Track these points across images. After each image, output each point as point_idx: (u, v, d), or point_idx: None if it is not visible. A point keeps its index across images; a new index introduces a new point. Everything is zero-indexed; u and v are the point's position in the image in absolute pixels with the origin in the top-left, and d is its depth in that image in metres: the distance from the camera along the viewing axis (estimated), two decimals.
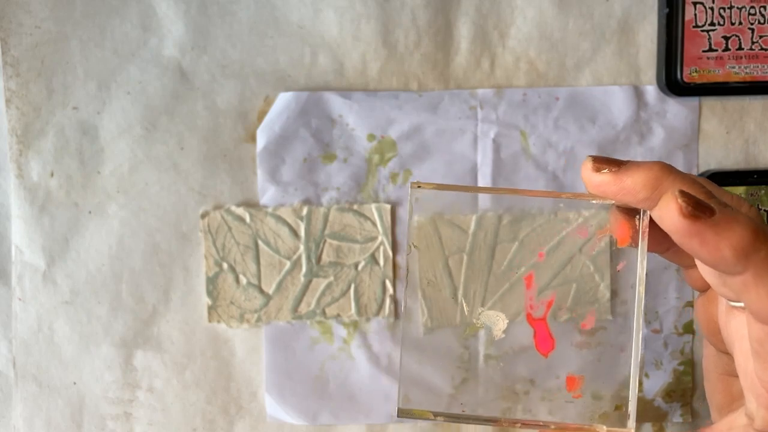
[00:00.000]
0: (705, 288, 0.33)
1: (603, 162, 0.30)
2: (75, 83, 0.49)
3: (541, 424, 0.34)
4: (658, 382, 0.52)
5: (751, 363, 0.28)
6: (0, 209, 0.51)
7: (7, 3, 0.49)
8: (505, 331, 0.35)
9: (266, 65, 0.50)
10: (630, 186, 0.29)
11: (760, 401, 0.28)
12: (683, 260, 0.33)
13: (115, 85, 0.50)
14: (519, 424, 0.34)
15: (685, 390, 0.52)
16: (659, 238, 0.32)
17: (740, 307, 0.29)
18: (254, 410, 0.51)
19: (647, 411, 0.52)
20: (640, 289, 0.34)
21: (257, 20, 0.50)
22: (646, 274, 0.51)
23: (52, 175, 0.50)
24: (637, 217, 0.32)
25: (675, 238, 0.27)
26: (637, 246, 0.32)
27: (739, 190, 0.51)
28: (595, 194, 0.32)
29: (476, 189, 0.36)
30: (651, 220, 0.31)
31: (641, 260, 0.32)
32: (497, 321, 0.37)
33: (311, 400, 0.51)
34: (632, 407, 0.33)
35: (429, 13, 0.50)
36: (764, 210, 0.51)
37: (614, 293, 0.51)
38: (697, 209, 0.26)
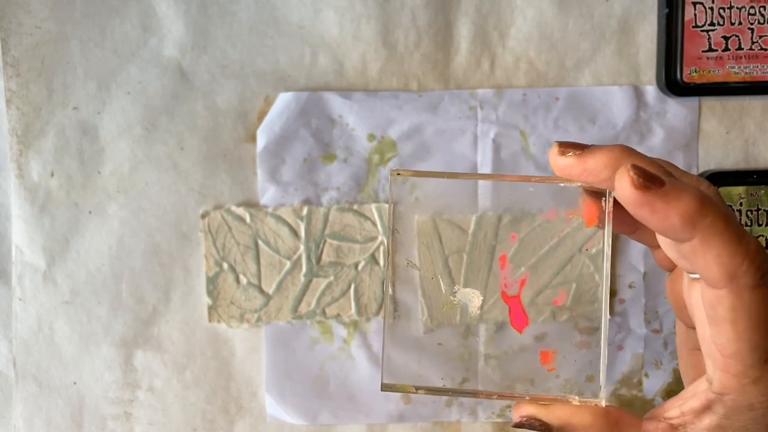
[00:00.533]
0: (672, 267, 0.35)
1: (568, 146, 0.32)
2: (75, 83, 0.50)
3: (517, 395, 0.36)
4: (658, 382, 0.52)
5: (708, 329, 0.30)
6: (0, 209, 0.51)
7: (7, 3, 0.49)
8: (480, 308, 0.38)
9: (266, 65, 0.50)
10: (592, 167, 0.31)
11: (716, 364, 0.29)
12: (649, 240, 0.35)
13: (115, 85, 0.50)
14: (496, 396, 0.36)
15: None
16: (625, 219, 0.34)
17: (697, 279, 0.31)
18: (254, 410, 0.52)
19: (647, 411, 0.52)
20: (606, 266, 0.37)
21: (257, 20, 0.50)
22: (645, 274, 0.51)
23: (52, 175, 0.50)
24: (604, 198, 0.34)
25: (629, 209, 0.29)
26: (603, 227, 0.35)
27: (739, 190, 0.51)
28: (562, 177, 0.34)
29: (452, 175, 0.39)
30: (616, 202, 0.32)
31: (607, 239, 0.35)
32: (473, 298, 0.39)
33: (311, 400, 0.51)
34: (603, 379, 0.36)
35: (429, 13, 0.50)
36: (764, 210, 0.51)
37: (613, 293, 0.52)
38: (648, 180, 0.28)
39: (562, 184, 0.35)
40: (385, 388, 0.35)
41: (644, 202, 0.28)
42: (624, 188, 0.28)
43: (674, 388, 0.52)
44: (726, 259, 0.28)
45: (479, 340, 0.51)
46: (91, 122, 0.50)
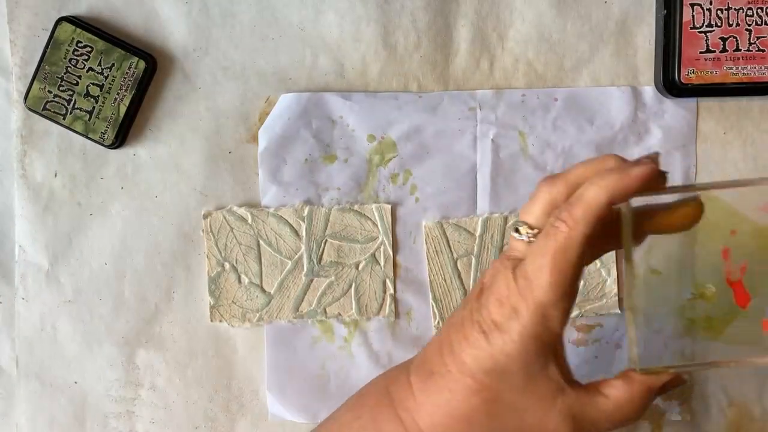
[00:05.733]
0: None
1: None
2: None
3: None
4: None
5: None
6: (4, 209, 0.51)
7: (16, 5, 0.49)
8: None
9: (267, 67, 0.50)
10: None
11: None
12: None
13: None
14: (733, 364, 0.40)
15: (684, 389, 0.52)
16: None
17: None
18: (256, 408, 0.52)
19: None
20: None
21: (258, 22, 0.50)
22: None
23: (55, 175, 0.50)
24: None
25: None
26: None
27: None
28: None
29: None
30: None
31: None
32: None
33: (312, 399, 0.51)
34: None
35: (428, 15, 0.50)
36: None
37: (621, 289, 0.52)
38: None
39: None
40: (642, 371, 0.38)
41: None
42: None
43: None
44: None
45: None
46: None
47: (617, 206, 0.36)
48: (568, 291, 0.36)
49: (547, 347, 0.37)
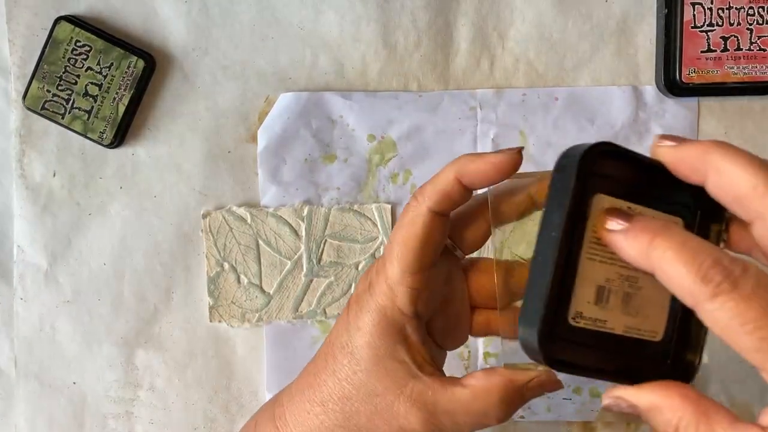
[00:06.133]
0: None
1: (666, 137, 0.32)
2: None
3: None
4: None
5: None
6: (2, 209, 0.51)
7: (15, 5, 0.49)
8: None
9: (267, 66, 0.50)
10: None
11: None
12: None
13: None
14: None
15: None
16: None
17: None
18: (255, 409, 0.51)
19: None
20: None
21: (258, 22, 0.50)
22: None
23: (54, 175, 0.50)
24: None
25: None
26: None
27: None
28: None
29: None
30: None
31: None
32: None
33: None
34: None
35: (429, 15, 0.50)
36: None
37: None
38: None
39: None
40: (506, 366, 0.36)
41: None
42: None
43: None
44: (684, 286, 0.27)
45: (479, 339, 0.51)
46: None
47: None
48: (414, 265, 0.35)
49: (394, 327, 0.35)
